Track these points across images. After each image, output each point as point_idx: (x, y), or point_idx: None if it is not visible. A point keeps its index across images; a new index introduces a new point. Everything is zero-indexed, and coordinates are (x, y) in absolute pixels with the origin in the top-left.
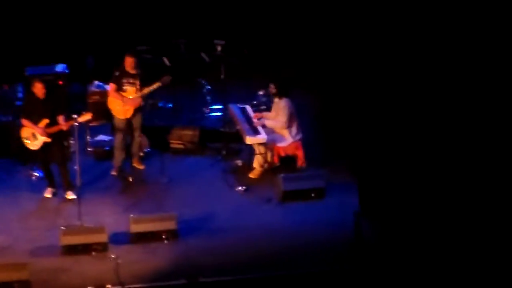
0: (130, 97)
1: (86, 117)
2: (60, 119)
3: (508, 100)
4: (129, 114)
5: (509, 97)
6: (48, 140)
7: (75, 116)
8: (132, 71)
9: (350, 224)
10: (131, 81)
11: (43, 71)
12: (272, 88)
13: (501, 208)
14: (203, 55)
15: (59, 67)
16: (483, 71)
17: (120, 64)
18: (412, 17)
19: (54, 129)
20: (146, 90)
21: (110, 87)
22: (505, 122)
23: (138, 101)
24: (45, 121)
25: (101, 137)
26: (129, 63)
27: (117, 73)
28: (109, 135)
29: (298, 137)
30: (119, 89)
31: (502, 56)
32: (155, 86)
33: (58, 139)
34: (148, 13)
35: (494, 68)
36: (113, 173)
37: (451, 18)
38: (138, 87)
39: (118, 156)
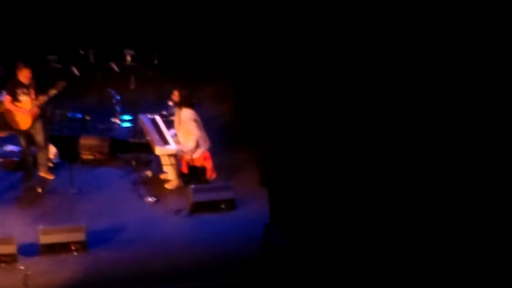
0: (27, 107)
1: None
2: None
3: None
4: (27, 125)
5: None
6: None
7: None
8: (26, 82)
9: (261, 236)
10: (25, 91)
11: None
12: (175, 96)
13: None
14: (112, 64)
15: None
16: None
17: (14, 75)
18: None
19: None
20: (42, 99)
21: (5, 98)
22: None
23: (35, 111)
24: None
25: (10, 147)
26: (24, 73)
27: (11, 84)
28: (18, 146)
29: (206, 147)
30: (15, 99)
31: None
32: (50, 93)
33: None
34: (58, 22)
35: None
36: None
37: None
38: (33, 96)
39: (26, 165)
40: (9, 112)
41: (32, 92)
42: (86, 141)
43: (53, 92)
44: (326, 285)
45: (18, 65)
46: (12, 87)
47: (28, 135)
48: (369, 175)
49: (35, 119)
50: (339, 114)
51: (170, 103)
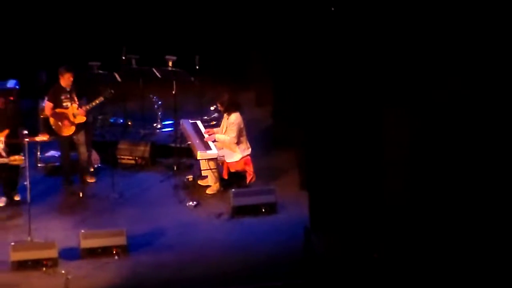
0: (73, 113)
1: (43, 137)
2: (20, 132)
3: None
4: (71, 131)
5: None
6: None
7: (26, 132)
8: (68, 87)
9: (301, 239)
10: (68, 96)
11: None
12: (219, 107)
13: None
14: (154, 70)
15: (10, 83)
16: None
17: (56, 81)
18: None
19: (14, 141)
20: (89, 106)
21: (47, 105)
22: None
23: (82, 118)
24: (6, 131)
25: (52, 152)
26: (66, 78)
27: (54, 91)
28: (59, 151)
29: (247, 152)
30: (59, 106)
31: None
32: (97, 101)
33: (13, 153)
34: (100, 28)
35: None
36: (65, 185)
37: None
38: (76, 102)
39: (66, 170)
40: (53, 118)
41: (75, 97)
42: (127, 146)
43: (100, 99)
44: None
45: (60, 70)
46: (54, 94)
47: (69, 142)
48: (409, 179)
49: (79, 127)
50: (378, 117)
51: (212, 108)
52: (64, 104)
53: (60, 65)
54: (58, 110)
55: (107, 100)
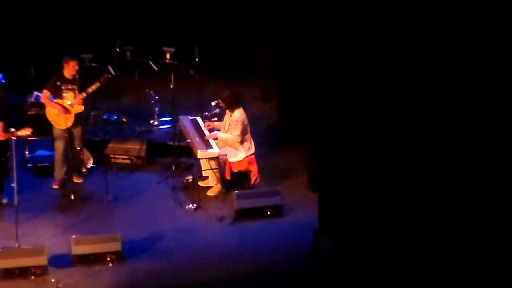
0: (69, 102)
1: (25, 132)
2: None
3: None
4: (69, 123)
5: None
6: None
7: (13, 129)
8: (71, 77)
9: (310, 244)
10: (69, 87)
11: None
12: (221, 103)
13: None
14: (151, 63)
15: None
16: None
17: (59, 70)
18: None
19: None
20: (85, 93)
21: (44, 94)
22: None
23: (80, 108)
24: None
25: (41, 152)
26: (71, 66)
27: (54, 80)
28: (50, 150)
29: (252, 151)
30: (58, 97)
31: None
32: (94, 87)
33: None
34: (92, 18)
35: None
36: (55, 186)
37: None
38: (76, 92)
39: (59, 170)
40: (50, 110)
41: (76, 88)
42: (122, 144)
43: (96, 85)
44: None
45: (64, 58)
46: (54, 83)
47: (66, 136)
48: (425, 179)
49: (77, 118)
50: (392, 114)
51: (213, 103)
52: (64, 94)
53: (49, 58)
54: (55, 101)
55: (102, 87)
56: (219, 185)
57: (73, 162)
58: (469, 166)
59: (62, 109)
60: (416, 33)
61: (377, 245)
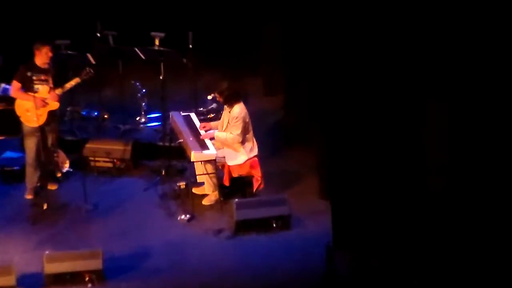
0: (44, 97)
1: None
2: None
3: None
4: (42, 120)
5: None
6: None
7: None
8: (44, 66)
9: (321, 260)
10: (42, 78)
11: None
12: (218, 97)
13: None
14: (137, 50)
15: None
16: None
17: (29, 59)
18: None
19: None
20: (62, 89)
21: (13, 86)
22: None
23: (55, 105)
24: None
25: (9, 154)
26: (44, 53)
27: (24, 69)
28: (19, 152)
29: (254, 153)
30: (29, 89)
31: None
32: (73, 82)
33: None
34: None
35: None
36: (28, 196)
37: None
38: (51, 85)
39: (32, 175)
40: (20, 105)
41: (50, 80)
42: (103, 145)
43: (76, 81)
44: None
45: (35, 44)
46: (23, 73)
47: (38, 135)
48: (455, 187)
49: (51, 114)
50: (415, 111)
51: (210, 97)
52: (36, 86)
53: (19, 46)
54: (26, 93)
55: (85, 81)
56: (216, 192)
57: (46, 165)
58: (499, 165)
59: (34, 104)
60: (446, 21)
61: (401, 264)
